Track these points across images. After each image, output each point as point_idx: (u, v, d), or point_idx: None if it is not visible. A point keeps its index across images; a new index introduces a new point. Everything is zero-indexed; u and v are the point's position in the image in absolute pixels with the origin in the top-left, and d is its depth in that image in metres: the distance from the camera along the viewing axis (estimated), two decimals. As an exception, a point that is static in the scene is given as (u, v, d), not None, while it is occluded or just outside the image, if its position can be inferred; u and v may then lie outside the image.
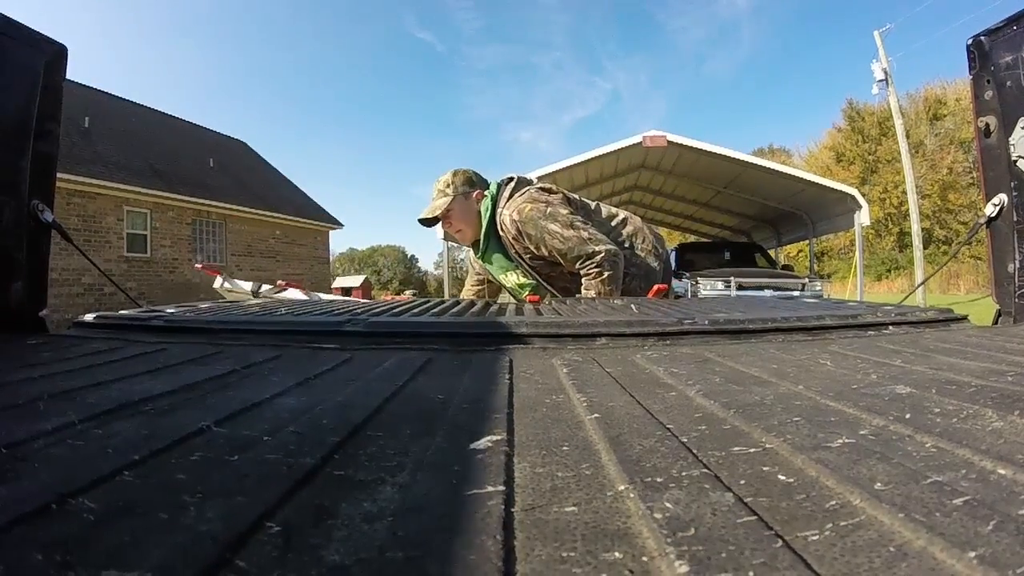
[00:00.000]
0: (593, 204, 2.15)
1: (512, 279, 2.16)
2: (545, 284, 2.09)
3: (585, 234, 1.91)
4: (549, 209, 1.93)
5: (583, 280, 1.94)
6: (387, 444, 0.41)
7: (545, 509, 0.30)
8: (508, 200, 2.02)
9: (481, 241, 2.10)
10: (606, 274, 1.89)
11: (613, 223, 2.10)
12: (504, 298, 2.54)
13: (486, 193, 2.08)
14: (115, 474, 0.34)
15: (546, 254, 1.96)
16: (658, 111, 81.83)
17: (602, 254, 1.89)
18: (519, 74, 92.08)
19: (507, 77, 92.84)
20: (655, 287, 1.99)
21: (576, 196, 2.12)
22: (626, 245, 2.05)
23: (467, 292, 2.49)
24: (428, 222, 2.12)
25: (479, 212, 2.07)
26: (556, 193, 2.04)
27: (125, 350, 0.87)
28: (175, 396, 0.56)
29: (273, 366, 0.74)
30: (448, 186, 2.07)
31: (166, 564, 0.24)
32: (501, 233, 2.02)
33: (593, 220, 2.05)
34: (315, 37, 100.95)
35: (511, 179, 2.10)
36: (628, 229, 2.10)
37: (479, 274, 2.40)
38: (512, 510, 0.30)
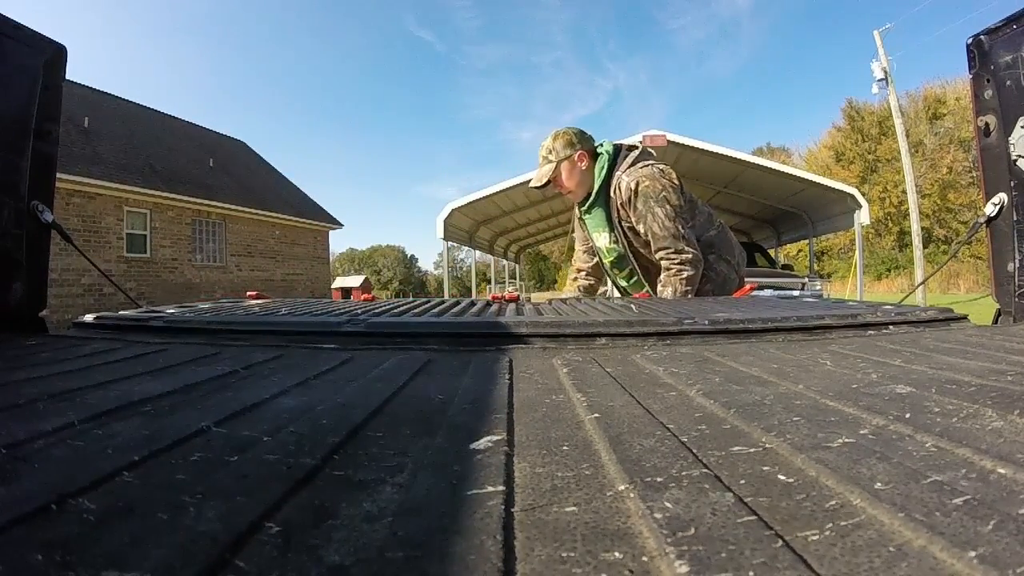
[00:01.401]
0: (699, 201, 2.26)
1: (604, 239, 2.25)
2: (631, 256, 2.18)
3: (682, 230, 2.01)
4: (664, 193, 2.02)
5: (663, 274, 2.05)
6: (387, 444, 0.41)
7: (545, 509, 0.30)
8: (630, 167, 2.09)
9: (592, 196, 2.17)
10: (686, 273, 2.00)
11: (711, 224, 2.22)
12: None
13: (601, 150, 2.15)
14: (115, 474, 0.34)
15: (642, 231, 2.06)
16: (658, 110, 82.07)
17: (689, 255, 2.01)
18: (519, 73, 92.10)
19: (507, 76, 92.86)
20: (746, 287, 2.12)
21: (685, 188, 2.21)
22: (716, 248, 2.17)
23: (577, 258, 2.55)
24: (542, 186, 2.22)
25: (583, 171, 2.15)
26: (673, 177, 2.12)
27: (125, 351, 0.87)
28: (175, 397, 0.56)
29: (273, 366, 0.74)
30: (550, 152, 2.14)
31: (166, 565, 0.24)
32: (612, 195, 2.10)
33: (697, 215, 2.16)
34: (315, 36, 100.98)
35: (634, 147, 2.18)
36: (722, 235, 2.23)
37: (588, 240, 2.44)
38: (512, 510, 0.30)
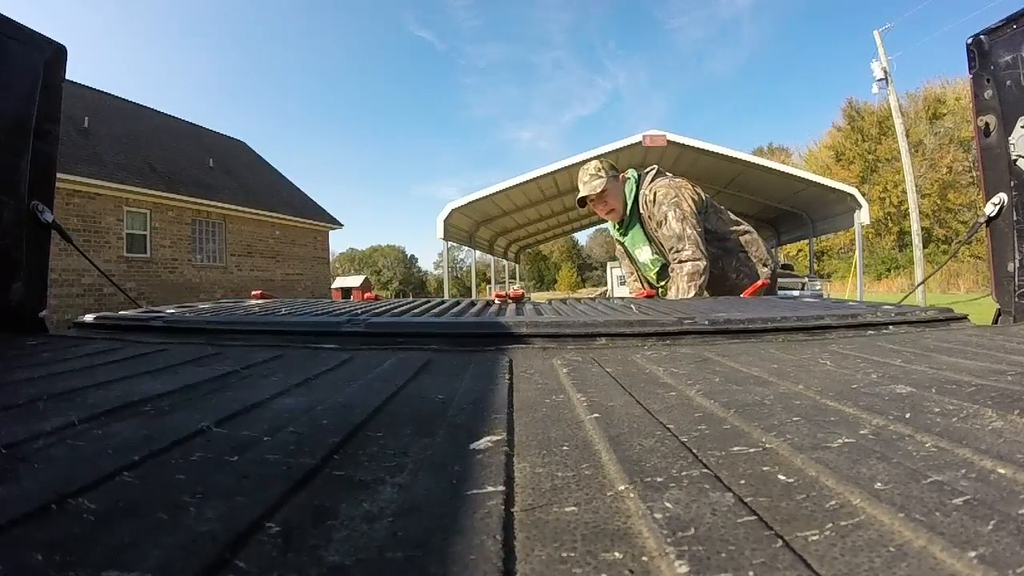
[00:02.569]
0: (722, 207, 2.48)
1: (646, 253, 2.45)
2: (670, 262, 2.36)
3: (689, 231, 2.19)
4: (675, 199, 2.26)
5: (670, 273, 2.25)
6: (387, 444, 0.41)
7: (545, 509, 0.30)
8: (651, 182, 2.38)
9: (627, 217, 2.42)
10: (686, 269, 2.17)
11: (734, 227, 2.44)
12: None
13: (627, 175, 2.42)
14: (115, 474, 0.34)
15: (656, 233, 2.30)
16: (658, 110, 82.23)
17: (688, 253, 2.17)
18: (519, 73, 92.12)
19: (507, 76, 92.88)
20: (755, 284, 2.25)
21: (707, 196, 2.44)
22: (742, 249, 2.38)
23: (631, 290, 2.72)
24: (583, 201, 2.44)
25: (624, 192, 2.40)
26: (688, 187, 2.35)
27: (125, 351, 0.87)
28: (175, 397, 0.56)
29: (273, 366, 0.74)
30: (599, 170, 2.39)
31: (166, 564, 0.24)
32: (642, 210, 2.36)
33: (722, 217, 2.40)
34: (315, 36, 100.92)
35: (651, 168, 2.47)
36: (745, 237, 2.42)
37: (634, 269, 2.63)
38: (512, 510, 0.30)
